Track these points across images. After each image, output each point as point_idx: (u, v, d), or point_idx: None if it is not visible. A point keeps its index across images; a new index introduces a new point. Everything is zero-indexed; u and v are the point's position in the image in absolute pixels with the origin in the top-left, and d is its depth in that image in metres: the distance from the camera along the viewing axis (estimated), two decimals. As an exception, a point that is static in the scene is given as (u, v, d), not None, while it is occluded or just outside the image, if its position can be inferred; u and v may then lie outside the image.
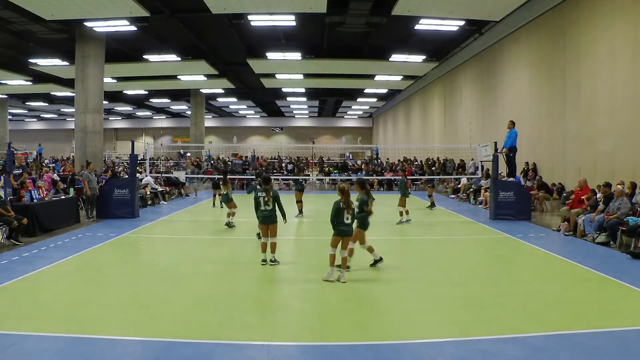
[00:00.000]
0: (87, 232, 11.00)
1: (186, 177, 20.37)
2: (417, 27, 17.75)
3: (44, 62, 23.68)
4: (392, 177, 24.08)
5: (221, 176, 13.44)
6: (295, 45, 21.81)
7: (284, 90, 34.91)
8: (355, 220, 7.22)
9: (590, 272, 7.49)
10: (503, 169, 14.73)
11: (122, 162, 33.23)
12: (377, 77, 28.19)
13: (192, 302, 5.97)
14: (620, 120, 12.44)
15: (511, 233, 10.93)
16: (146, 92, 35.51)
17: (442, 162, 26.67)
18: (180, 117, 52.59)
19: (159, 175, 20.06)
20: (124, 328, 5.11)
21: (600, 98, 13.29)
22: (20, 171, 12.31)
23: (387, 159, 31.37)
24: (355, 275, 7.32)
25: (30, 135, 51.60)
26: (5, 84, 30.30)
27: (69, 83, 26.99)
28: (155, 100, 40.29)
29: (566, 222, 11.00)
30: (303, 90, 34.87)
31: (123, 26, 17.96)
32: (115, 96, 35.74)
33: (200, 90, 35.25)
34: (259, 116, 54.27)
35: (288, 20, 17.44)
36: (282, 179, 23.58)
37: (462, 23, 17.61)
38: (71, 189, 13.38)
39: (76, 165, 19.82)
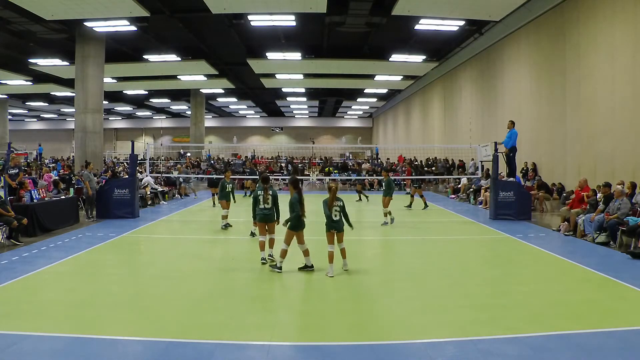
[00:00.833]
0: (87, 232, 11.00)
1: (180, 177, 20.23)
2: (417, 27, 17.75)
3: (44, 62, 23.68)
4: (392, 177, 24.07)
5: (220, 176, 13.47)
6: (295, 45, 21.81)
7: (284, 90, 34.91)
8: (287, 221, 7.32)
9: (590, 272, 7.49)
10: (503, 169, 14.73)
11: (122, 163, 33.25)
12: (377, 77, 28.20)
13: (192, 302, 5.97)
14: (620, 120, 12.44)
15: (511, 233, 10.93)
16: (146, 92, 35.52)
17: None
18: (180, 117, 52.60)
19: (159, 175, 20.03)
20: (124, 328, 5.10)
21: (600, 98, 13.29)
22: (17, 171, 12.27)
23: (388, 158, 31.38)
24: (355, 275, 7.31)
25: (30, 135, 51.60)
26: (5, 84, 30.30)
27: (69, 83, 27.00)
28: (155, 100, 40.30)
29: (566, 222, 10.99)
30: (303, 90, 34.87)
31: (123, 26, 17.96)
32: (115, 96, 35.75)
33: (200, 90, 35.27)
34: (259, 116, 54.27)
35: (288, 20, 17.43)
36: (281, 179, 23.58)
37: (462, 23, 17.62)
38: (71, 189, 13.39)
39: (76, 165, 19.81)
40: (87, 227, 11.75)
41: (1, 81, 29.36)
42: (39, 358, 4.33)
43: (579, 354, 4.45)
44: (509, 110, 18.78)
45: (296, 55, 22.69)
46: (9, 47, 21.62)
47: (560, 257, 8.55)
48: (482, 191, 16.38)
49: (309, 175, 24.16)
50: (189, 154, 34.99)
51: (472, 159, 21.74)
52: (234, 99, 40.66)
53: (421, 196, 15.75)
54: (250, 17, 16.91)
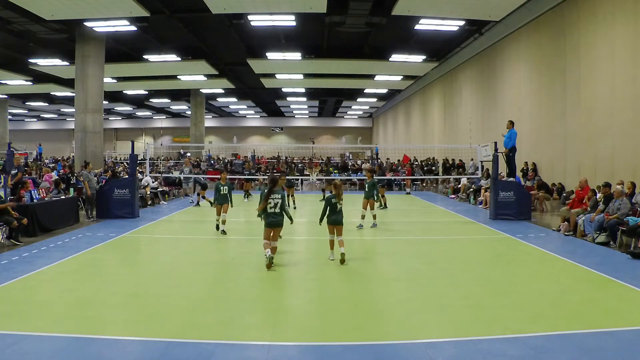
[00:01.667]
0: (87, 232, 11.00)
1: (183, 177, 20.26)
2: (417, 27, 17.76)
3: (44, 62, 23.68)
4: (392, 177, 24.10)
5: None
6: (295, 45, 21.82)
7: (284, 90, 34.92)
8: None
9: (590, 272, 7.49)
10: (503, 169, 14.74)
11: (122, 163, 33.23)
12: (377, 77, 28.20)
13: (192, 302, 5.97)
14: (620, 120, 12.44)
15: (511, 233, 10.93)
16: (146, 92, 35.52)
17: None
18: (180, 117, 52.60)
19: (159, 175, 20.03)
20: (124, 328, 5.11)
21: (600, 98, 13.29)
22: (16, 171, 12.28)
23: (388, 158, 31.39)
24: (355, 275, 7.32)
25: (30, 135, 51.60)
26: (5, 84, 30.31)
27: (69, 83, 27.01)
28: (155, 100, 40.30)
29: (566, 222, 10.99)
30: (303, 90, 34.88)
31: (123, 26, 17.97)
32: (115, 96, 35.76)
33: (200, 90, 35.27)
34: (259, 116, 54.28)
35: (288, 20, 17.44)
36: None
37: (462, 23, 17.62)
38: (71, 189, 13.39)
39: (76, 166, 19.82)
40: (87, 227, 11.75)
41: (1, 81, 29.37)
42: (39, 358, 4.32)
43: (579, 354, 4.45)
44: (509, 110, 18.78)
45: (296, 55, 22.70)
46: (9, 47, 21.62)
47: (560, 257, 8.55)
48: (482, 191, 16.39)
49: (309, 175, 24.16)
50: (189, 154, 34.97)
51: (472, 159, 21.75)
52: (234, 99, 40.67)
53: (382, 195, 15.44)
54: (250, 17, 16.91)
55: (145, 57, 23.18)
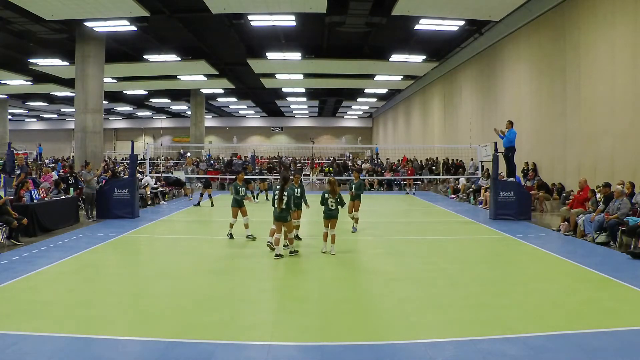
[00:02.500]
0: (87, 232, 11.00)
1: (186, 177, 20.32)
2: (417, 27, 17.74)
3: (44, 62, 23.66)
4: (392, 177, 24.10)
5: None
6: (295, 45, 21.81)
7: (284, 90, 34.90)
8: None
9: (590, 272, 7.49)
10: (503, 169, 14.74)
11: (122, 162, 33.23)
12: (377, 77, 28.18)
13: (192, 302, 5.97)
14: (620, 120, 12.44)
15: (511, 233, 10.93)
16: (146, 92, 35.50)
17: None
18: (180, 117, 52.59)
19: (159, 175, 20.03)
20: (124, 328, 5.11)
21: (600, 98, 13.28)
22: (19, 172, 12.29)
23: (388, 158, 31.39)
24: (355, 275, 7.32)
25: (30, 135, 51.58)
26: (5, 84, 30.29)
27: (69, 83, 26.99)
28: (155, 100, 40.29)
29: (566, 222, 10.99)
30: (303, 90, 34.86)
31: (123, 26, 17.95)
32: (115, 96, 35.74)
33: (200, 90, 35.24)
34: (259, 116, 54.27)
35: (288, 20, 17.42)
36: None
37: (462, 23, 17.61)
38: (71, 189, 13.38)
39: (76, 166, 19.81)
40: (87, 227, 11.75)
41: (1, 81, 29.35)
42: (39, 358, 4.33)
43: (579, 354, 4.45)
44: (509, 110, 18.77)
45: (296, 55, 22.68)
46: (9, 47, 21.61)
47: (560, 257, 8.55)
48: (482, 191, 16.39)
49: (309, 175, 24.16)
50: (189, 154, 34.99)
51: (472, 159, 21.75)
52: (234, 99, 40.65)
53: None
54: (250, 17, 16.90)
55: (145, 57, 23.17)
